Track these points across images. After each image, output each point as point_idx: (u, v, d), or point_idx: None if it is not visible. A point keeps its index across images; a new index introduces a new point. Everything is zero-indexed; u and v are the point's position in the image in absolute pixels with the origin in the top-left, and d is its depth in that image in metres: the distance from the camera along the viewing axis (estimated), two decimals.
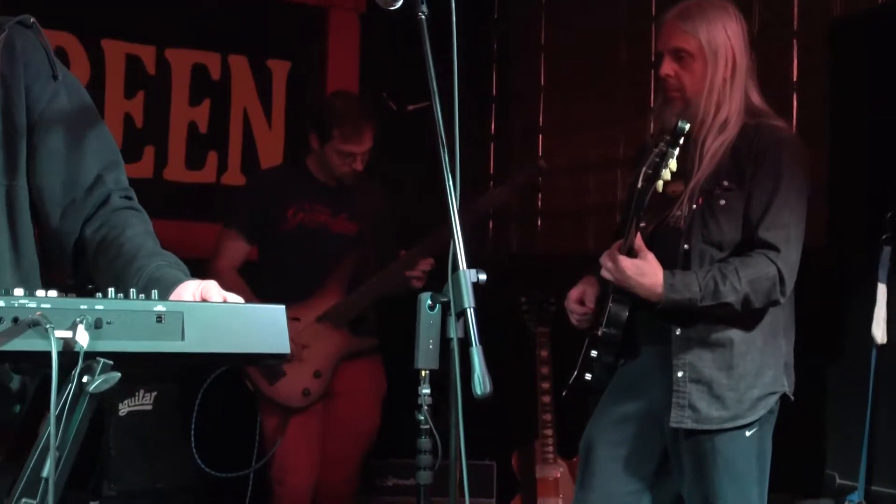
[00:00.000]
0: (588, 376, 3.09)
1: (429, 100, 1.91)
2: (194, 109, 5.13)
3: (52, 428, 1.54)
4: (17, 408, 1.94)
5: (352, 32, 5.45)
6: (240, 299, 1.82)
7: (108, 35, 4.91)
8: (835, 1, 3.94)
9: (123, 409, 4.22)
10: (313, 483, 4.19)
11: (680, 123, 2.77)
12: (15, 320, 1.57)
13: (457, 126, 1.93)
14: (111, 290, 1.68)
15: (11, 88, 1.99)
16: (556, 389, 4.27)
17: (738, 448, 2.91)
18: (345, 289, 4.14)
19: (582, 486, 3.11)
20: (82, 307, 1.62)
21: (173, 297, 1.82)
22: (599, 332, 3.04)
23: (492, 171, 5.66)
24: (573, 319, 3.15)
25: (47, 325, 1.56)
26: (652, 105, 3.63)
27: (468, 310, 1.88)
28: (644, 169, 2.80)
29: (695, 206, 2.93)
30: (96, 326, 1.61)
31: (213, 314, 1.73)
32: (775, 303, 2.89)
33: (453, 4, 1.97)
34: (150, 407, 4.27)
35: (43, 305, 1.59)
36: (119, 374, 1.60)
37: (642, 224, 2.92)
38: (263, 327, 1.76)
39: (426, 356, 2.00)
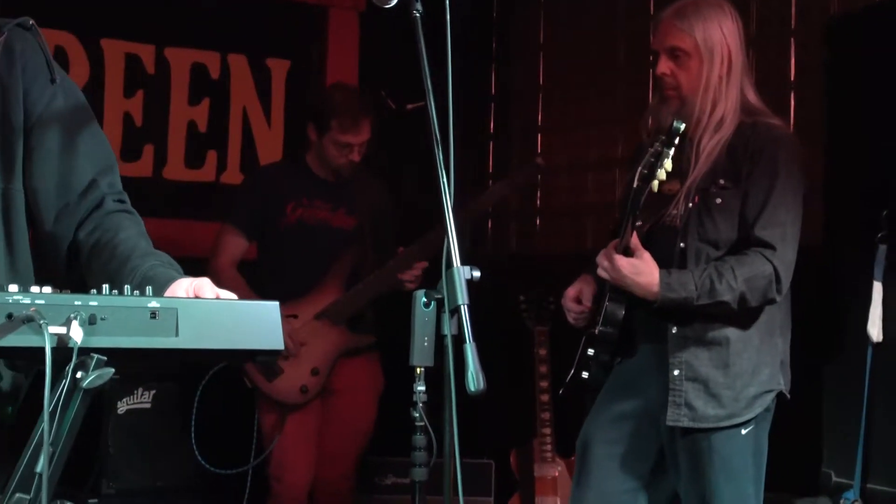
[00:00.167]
0: (585, 375, 3.09)
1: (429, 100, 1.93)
2: (194, 108, 5.13)
3: (45, 423, 1.55)
4: (10, 409, 1.95)
5: (351, 31, 5.45)
6: (233, 296, 1.82)
7: (107, 34, 4.91)
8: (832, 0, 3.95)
9: (122, 407, 4.23)
10: (311, 480, 4.20)
11: (675, 123, 2.78)
12: (9, 316, 1.57)
13: (451, 124, 1.94)
14: (105, 287, 1.69)
15: (9, 91, 2.01)
16: (555, 388, 4.28)
17: (734, 446, 2.91)
18: (343, 285, 4.15)
19: (578, 484, 3.11)
20: (76, 303, 1.62)
21: (167, 294, 1.83)
22: (596, 331, 3.04)
23: (491, 170, 5.67)
24: (570, 318, 3.16)
25: (41, 321, 1.56)
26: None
27: (462, 306, 1.89)
28: (640, 168, 2.80)
29: (691, 204, 2.93)
30: (90, 322, 1.62)
31: (207, 310, 1.73)
32: (771, 301, 2.89)
33: (447, 4, 1.98)
34: (148, 405, 4.28)
35: (37, 301, 1.60)
36: (112, 370, 1.61)
37: (638, 223, 2.93)
38: (257, 323, 1.76)
39: (421, 353, 2.00)
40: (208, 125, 5.15)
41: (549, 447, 4.44)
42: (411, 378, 2.00)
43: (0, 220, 2.00)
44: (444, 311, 1.92)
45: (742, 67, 2.99)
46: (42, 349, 1.55)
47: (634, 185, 2.82)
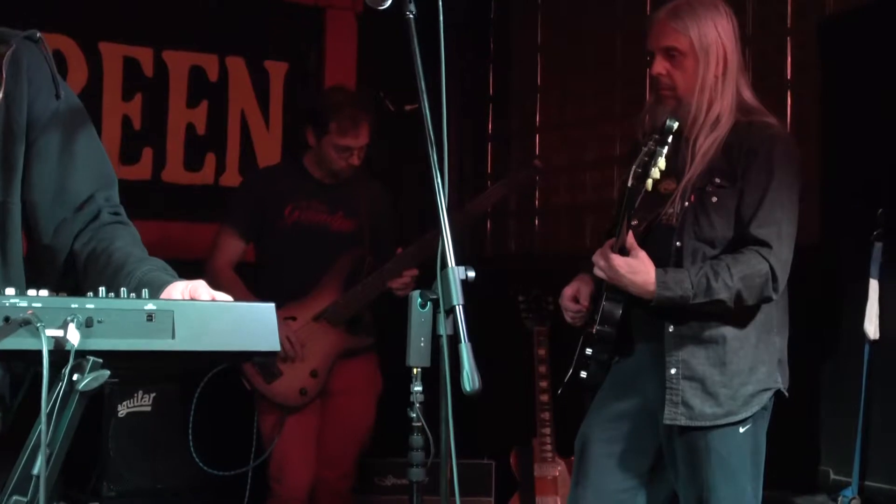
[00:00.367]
0: (583, 374, 3.10)
1: (429, 100, 1.94)
2: (192, 111, 5.14)
3: (42, 426, 1.56)
4: (1, 415, 1.97)
5: (349, 33, 5.46)
6: (229, 298, 1.83)
7: (105, 38, 4.92)
8: None
9: (122, 410, 4.24)
10: (311, 481, 4.21)
11: (668, 122, 2.79)
12: (6, 319, 1.58)
13: (444, 124, 1.95)
14: (102, 290, 1.70)
15: (14, 104, 2.03)
16: (555, 388, 4.28)
17: (731, 445, 2.91)
18: (341, 287, 4.16)
19: (577, 483, 3.12)
20: (73, 306, 1.63)
21: (163, 297, 1.84)
22: (594, 330, 3.04)
23: (489, 171, 5.67)
24: (568, 317, 3.16)
25: (38, 324, 1.57)
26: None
27: (457, 306, 1.90)
28: (634, 168, 2.81)
29: (687, 203, 2.94)
30: (87, 325, 1.63)
31: (204, 312, 1.74)
32: (768, 299, 2.90)
33: (440, 6, 1.99)
34: (149, 408, 4.29)
35: (34, 304, 1.61)
36: (108, 372, 1.62)
37: (634, 222, 2.94)
38: (254, 325, 1.77)
39: (418, 354, 2.01)
40: (207, 128, 5.16)
41: (549, 447, 4.44)
42: (410, 379, 2.01)
43: None
44: (440, 312, 1.93)
45: (738, 66, 2.99)
46: (39, 352, 1.55)
47: (629, 185, 2.83)
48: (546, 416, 4.45)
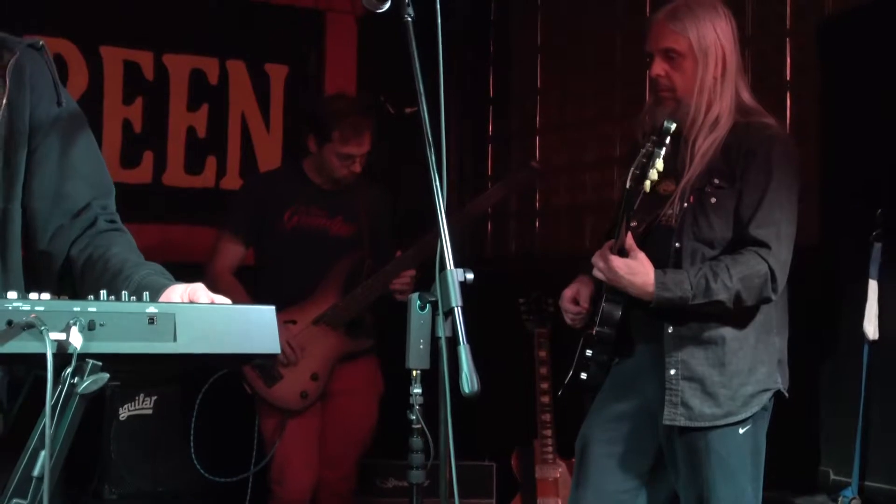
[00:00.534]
0: (583, 375, 3.10)
1: (428, 102, 1.95)
2: (193, 114, 5.15)
3: (47, 428, 1.56)
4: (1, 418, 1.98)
5: (349, 35, 5.47)
6: (227, 301, 1.84)
7: (106, 42, 4.93)
8: (827, 0, 3.96)
9: (124, 413, 4.24)
10: (313, 483, 4.21)
11: (666, 123, 2.80)
12: (9, 323, 1.59)
13: (443, 127, 1.96)
14: (103, 293, 1.71)
15: (16, 112, 2.05)
16: (556, 389, 4.29)
17: (731, 445, 2.92)
18: (341, 291, 4.16)
19: (578, 484, 3.12)
20: (75, 309, 1.64)
21: (162, 300, 1.85)
22: (594, 332, 3.05)
23: (490, 172, 5.68)
24: (567, 319, 3.17)
25: (42, 328, 1.58)
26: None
27: (456, 308, 1.90)
28: (632, 169, 2.82)
29: (686, 204, 2.94)
30: (89, 328, 1.64)
31: (205, 315, 1.75)
32: (767, 300, 2.90)
33: (438, 9, 2.00)
34: (150, 411, 4.30)
35: (37, 308, 1.61)
36: (108, 375, 1.62)
37: (633, 223, 2.94)
38: (254, 328, 1.78)
39: (417, 356, 2.02)
40: (207, 131, 5.17)
41: (550, 448, 4.45)
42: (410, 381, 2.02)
43: None
44: (439, 314, 1.94)
45: (736, 68, 3.00)
46: (42, 355, 1.56)
47: (627, 186, 2.84)
48: (547, 417, 4.46)
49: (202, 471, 3.79)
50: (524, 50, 5.53)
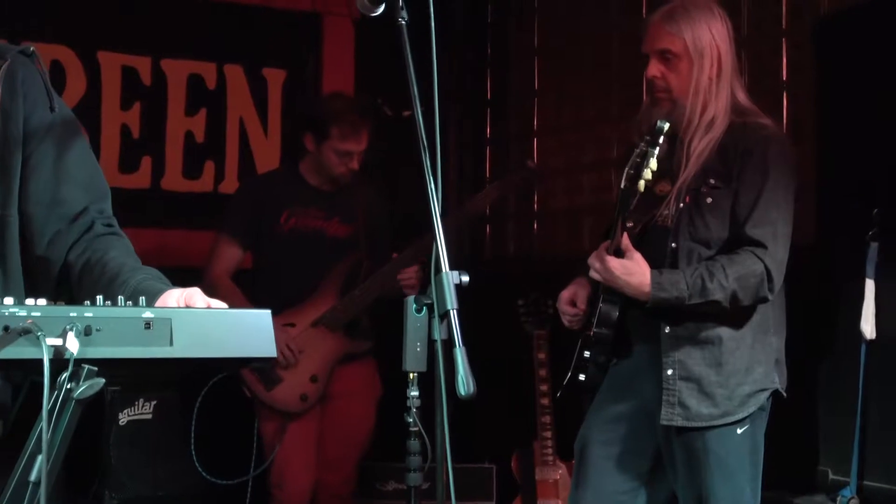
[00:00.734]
0: (582, 377, 3.11)
1: (423, 105, 1.95)
2: (191, 119, 5.16)
3: (44, 433, 1.57)
4: (2, 422, 1.98)
5: (346, 39, 5.47)
6: (224, 305, 1.85)
7: (103, 47, 4.94)
8: (822, 0, 3.96)
9: (123, 417, 4.25)
10: (312, 486, 4.22)
11: (658, 123, 2.81)
12: (6, 329, 1.60)
13: (438, 130, 1.96)
14: (99, 298, 1.72)
15: (10, 117, 2.05)
16: (555, 391, 4.29)
17: (729, 446, 2.92)
18: (339, 292, 4.17)
19: (577, 485, 3.13)
20: (72, 315, 1.65)
21: (158, 304, 1.86)
22: (591, 333, 3.06)
23: (488, 175, 5.69)
24: (565, 320, 3.18)
25: (38, 333, 1.59)
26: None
27: (451, 311, 1.91)
28: (626, 169, 2.83)
29: (682, 204, 2.95)
30: (86, 333, 1.65)
31: (201, 320, 1.76)
32: (763, 299, 2.91)
33: (432, 13, 2.01)
34: (149, 415, 4.30)
35: (33, 314, 1.62)
36: (103, 380, 1.63)
37: (629, 224, 2.95)
38: (250, 331, 1.79)
39: (414, 359, 2.02)
40: (205, 135, 5.18)
41: (549, 450, 4.45)
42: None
43: None
44: (434, 317, 1.94)
45: (732, 68, 3.01)
46: (39, 361, 1.57)
47: (622, 187, 2.85)
48: (546, 419, 4.46)
49: (204, 473, 3.79)
50: (521, 52, 5.54)
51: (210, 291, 1.93)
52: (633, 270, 2.89)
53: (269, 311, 1.81)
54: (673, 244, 2.95)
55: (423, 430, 2.02)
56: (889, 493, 3.24)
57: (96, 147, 4.85)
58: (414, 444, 2.03)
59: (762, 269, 2.87)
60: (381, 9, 2.04)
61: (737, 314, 2.93)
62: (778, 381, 2.98)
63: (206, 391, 3.70)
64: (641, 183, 2.81)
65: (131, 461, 4.25)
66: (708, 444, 2.91)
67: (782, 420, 3.02)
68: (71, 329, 1.63)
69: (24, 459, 1.61)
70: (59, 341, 1.61)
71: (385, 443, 4.29)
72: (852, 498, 3.27)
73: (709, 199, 2.94)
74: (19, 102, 2.06)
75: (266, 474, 4.14)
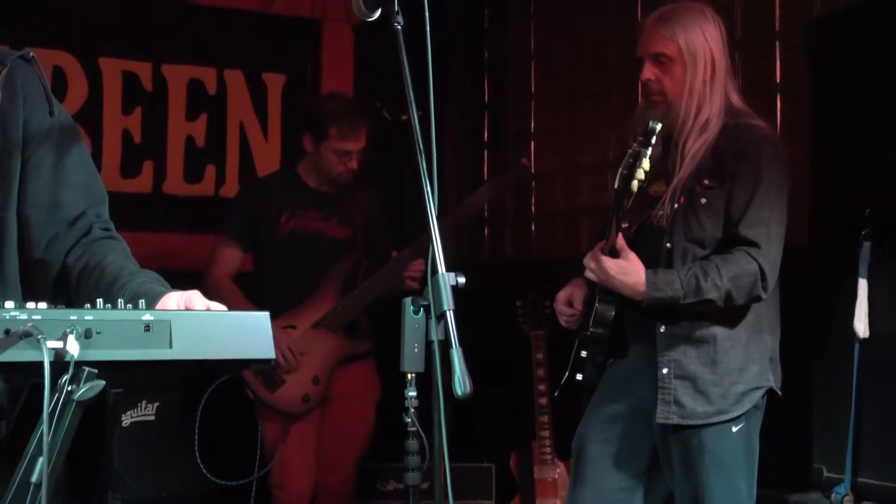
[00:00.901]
0: (579, 376, 3.13)
1: (421, 109, 1.98)
2: (191, 124, 5.19)
3: (44, 435, 1.59)
4: (3, 423, 2.00)
5: (345, 43, 5.50)
6: (223, 307, 1.86)
7: (105, 53, 4.97)
8: (815, 2, 3.99)
9: (126, 419, 4.27)
10: (312, 486, 4.24)
11: (651, 123, 2.83)
12: (6, 332, 1.60)
13: (433, 132, 1.99)
14: (99, 301, 1.73)
15: (9, 121, 2.07)
16: (553, 391, 4.31)
17: (725, 443, 2.94)
18: (338, 293, 4.19)
19: (575, 484, 3.15)
20: (72, 318, 1.66)
21: (158, 307, 1.87)
22: (588, 333, 3.08)
23: (486, 177, 5.70)
24: (562, 321, 3.20)
25: (39, 336, 1.60)
26: None
27: (448, 312, 1.93)
28: (619, 170, 2.85)
29: (676, 205, 2.97)
30: (86, 336, 1.65)
31: (200, 322, 1.77)
32: (757, 298, 2.93)
33: (427, 17, 2.03)
34: (152, 417, 4.32)
35: (34, 317, 1.63)
36: (104, 382, 1.65)
37: (625, 224, 2.97)
38: (249, 333, 1.80)
39: (412, 360, 2.03)
40: (206, 140, 5.21)
41: (548, 449, 4.47)
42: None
43: None
44: (431, 318, 1.96)
45: (725, 71, 3.03)
46: (40, 363, 1.58)
47: (615, 187, 2.87)
48: (545, 418, 4.48)
49: (208, 474, 3.82)
50: (519, 54, 5.56)
51: (211, 294, 1.94)
52: (629, 270, 2.91)
53: (267, 313, 1.83)
54: (668, 244, 2.97)
55: (421, 430, 2.04)
56: (883, 490, 3.26)
57: (98, 152, 4.88)
58: (412, 443, 2.05)
59: (756, 269, 2.89)
60: (378, 13, 2.07)
61: (731, 313, 2.95)
62: (772, 380, 3.00)
63: (208, 393, 3.73)
64: (635, 183, 2.83)
65: (134, 462, 4.27)
66: (704, 442, 2.93)
67: (777, 418, 3.04)
68: (71, 332, 1.63)
69: (26, 461, 1.62)
70: (59, 344, 1.62)
71: (385, 443, 4.31)
72: (846, 495, 3.28)
73: (703, 200, 2.96)
74: (19, 106, 2.07)
75: (267, 475, 4.16)
